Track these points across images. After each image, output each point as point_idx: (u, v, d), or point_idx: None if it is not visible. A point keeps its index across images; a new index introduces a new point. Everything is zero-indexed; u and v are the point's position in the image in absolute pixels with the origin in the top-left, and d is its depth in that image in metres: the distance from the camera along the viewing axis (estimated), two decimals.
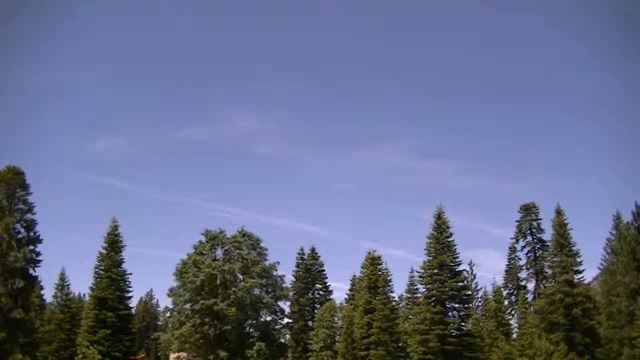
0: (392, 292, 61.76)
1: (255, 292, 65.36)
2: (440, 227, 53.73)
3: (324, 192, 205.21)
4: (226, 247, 66.63)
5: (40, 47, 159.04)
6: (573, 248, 51.69)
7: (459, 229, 69.25)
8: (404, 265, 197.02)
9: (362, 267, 62.93)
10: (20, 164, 50.14)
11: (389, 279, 60.52)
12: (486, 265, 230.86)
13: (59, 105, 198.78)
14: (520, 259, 70.56)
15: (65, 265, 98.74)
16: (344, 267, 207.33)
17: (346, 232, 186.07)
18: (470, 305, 59.15)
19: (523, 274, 69.75)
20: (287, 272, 71.24)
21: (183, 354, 67.81)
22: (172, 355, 76.94)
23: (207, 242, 66.28)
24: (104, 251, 59.21)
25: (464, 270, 58.00)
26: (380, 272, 59.16)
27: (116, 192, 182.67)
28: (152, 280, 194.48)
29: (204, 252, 65.52)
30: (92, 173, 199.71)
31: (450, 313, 53.79)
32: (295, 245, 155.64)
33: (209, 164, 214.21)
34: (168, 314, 69.79)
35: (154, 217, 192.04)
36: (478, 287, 70.17)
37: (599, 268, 52.06)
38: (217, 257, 66.05)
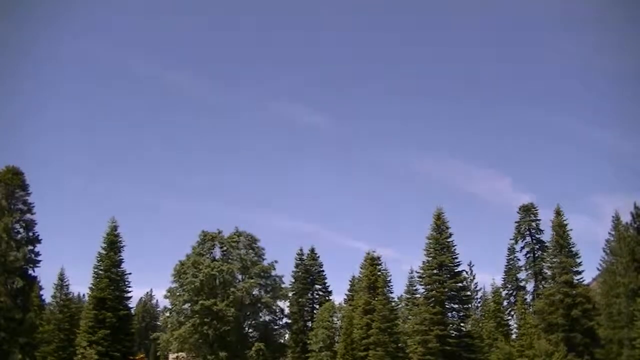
0: (391, 292, 61.81)
1: (254, 292, 65.35)
2: (440, 227, 53.83)
3: None
4: (224, 248, 66.60)
5: None
6: (572, 249, 51.69)
7: None
8: None
9: (361, 268, 62.95)
10: (20, 163, 50.22)
11: (388, 279, 60.55)
12: None
13: None
14: (519, 259, 70.61)
15: (64, 266, 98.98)
16: None
17: None
18: (470, 305, 59.17)
19: (522, 275, 69.79)
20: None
21: (182, 355, 67.76)
22: (172, 356, 76.84)
23: (204, 242, 66.22)
24: (103, 251, 59.09)
25: (463, 270, 58.08)
26: (379, 273, 59.14)
27: None
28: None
29: (203, 252, 65.50)
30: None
31: (449, 314, 53.84)
32: None
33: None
34: (167, 314, 69.71)
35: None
36: (477, 288, 70.29)
37: (598, 269, 52.11)
38: (216, 257, 66.02)
